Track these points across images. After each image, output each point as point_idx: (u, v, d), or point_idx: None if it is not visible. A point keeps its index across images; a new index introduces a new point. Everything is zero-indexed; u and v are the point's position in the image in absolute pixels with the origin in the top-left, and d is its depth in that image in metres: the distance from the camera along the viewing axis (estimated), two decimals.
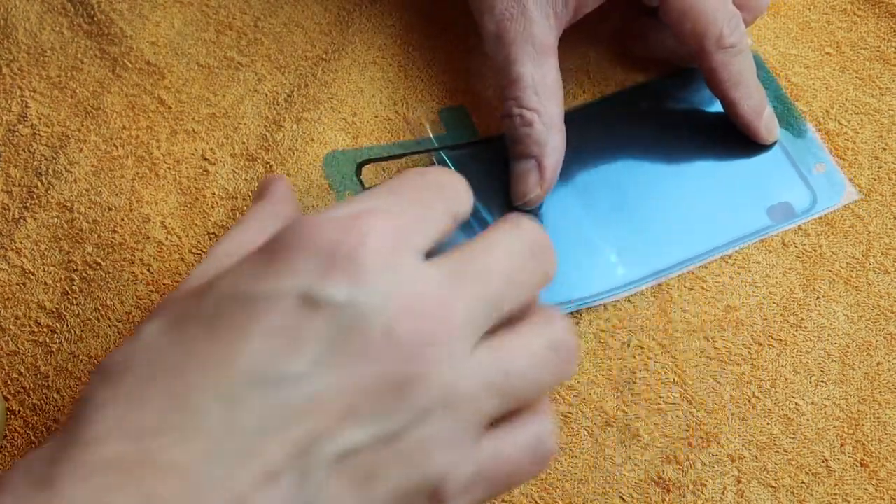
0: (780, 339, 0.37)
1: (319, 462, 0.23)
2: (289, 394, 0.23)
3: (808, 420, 0.36)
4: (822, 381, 0.36)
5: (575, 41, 0.43)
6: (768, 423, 0.36)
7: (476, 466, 0.25)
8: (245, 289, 0.24)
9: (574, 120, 0.41)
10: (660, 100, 0.41)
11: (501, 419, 0.27)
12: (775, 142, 0.40)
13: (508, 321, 0.27)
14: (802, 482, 0.35)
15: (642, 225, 0.39)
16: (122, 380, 0.23)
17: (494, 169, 0.39)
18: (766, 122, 0.39)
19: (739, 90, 0.38)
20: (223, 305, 0.24)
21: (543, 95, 0.37)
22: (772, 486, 0.35)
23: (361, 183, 0.39)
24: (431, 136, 0.40)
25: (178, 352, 0.24)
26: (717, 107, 0.40)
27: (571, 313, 0.37)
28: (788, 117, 0.41)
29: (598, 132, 0.41)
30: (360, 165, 0.39)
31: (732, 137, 0.40)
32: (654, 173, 0.40)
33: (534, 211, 0.39)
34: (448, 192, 0.28)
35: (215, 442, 0.22)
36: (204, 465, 0.22)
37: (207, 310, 0.24)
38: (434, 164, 0.39)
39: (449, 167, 0.39)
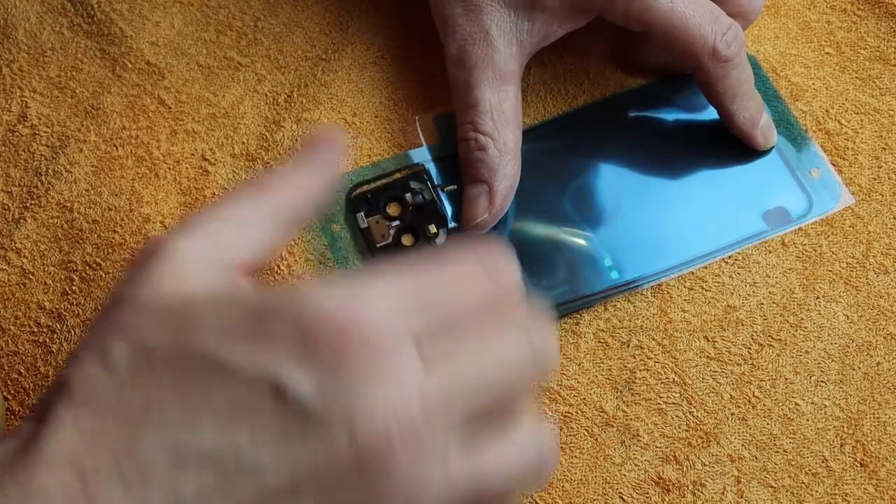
0: (780, 339, 0.37)
1: None
2: (236, 482, 0.22)
3: (808, 420, 0.36)
4: (822, 381, 0.36)
5: (576, 43, 0.43)
6: (768, 423, 0.36)
7: None
8: (223, 356, 0.23)
9: (570, 123, 0.41)
10: (656, 103, 0.41)
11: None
12: (773, 147, 0.40)
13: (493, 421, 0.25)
14: (802, 482, 0.35)
15: (637, 228, 0.38)
16: (84, 408, 0.23)
17: None
18: (762, 130, 0.39)
19: (736, 102, 0.38)
20: (196, 363, 0.23)
21: (499, 122, 0.37)
22: (772, 486, 0.35)
23: (353, 209, 0.39)
24: (425, 145, 0.40)
25: (141, 395, 0.23)
26: (714, 111, 0.40)
27: (571, 314, 0.37)
28: (785, 122, 0.41)
29: (594, 135, 0.41)
30: (350, 192, 0.39)
31: (729, 142, 0.40)
32: (650, 177, 0.40)
33: (527, 212, 0.39)
34: (481, 279, 0.25)
35: (154, 501, 0.22)
36: None
37: (180, 359, 0.23)
38: (425, 178, 0.39)
39: (436, 181, 0.39)
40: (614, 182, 0.39)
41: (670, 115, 0.41)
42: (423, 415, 0.22)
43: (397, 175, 0.40)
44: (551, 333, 0.26)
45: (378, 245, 0.38)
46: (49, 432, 0.23)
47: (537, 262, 0.38)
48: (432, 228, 0.39)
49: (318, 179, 0.28)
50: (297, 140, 0.40)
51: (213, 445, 0.22)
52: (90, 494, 0.22)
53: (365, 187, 0.39)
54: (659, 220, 0.39)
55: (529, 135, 0.40)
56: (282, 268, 0.38)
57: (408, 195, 0.39)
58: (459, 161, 0.38)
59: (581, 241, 0.38)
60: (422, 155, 0.40)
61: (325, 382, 0.22)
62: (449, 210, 0.39)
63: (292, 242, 0.38)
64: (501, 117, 0.37)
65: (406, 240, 0.39)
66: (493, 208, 0.37)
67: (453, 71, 0.38)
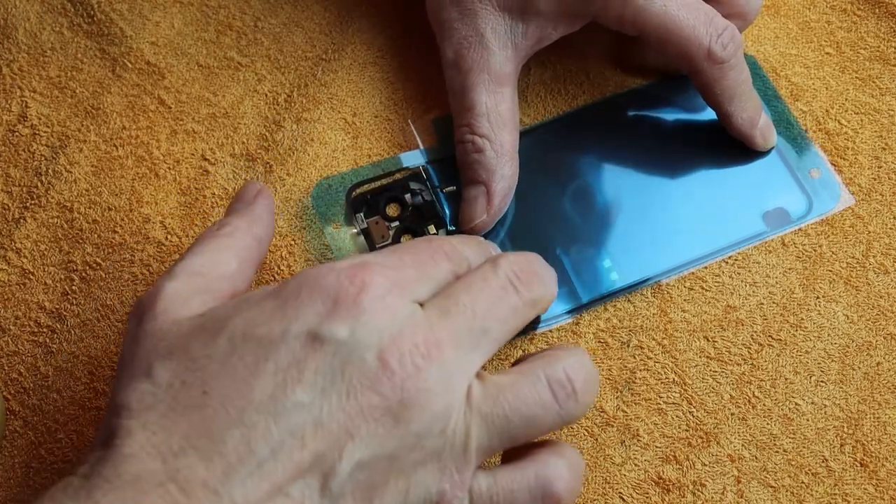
0: (780, 339, 0.37)
1: (325, 479, 0.26)
2: (296, 419, 0.26)
3: (808, 420, 0.36)
4: (822, 381, 0.36)
5: (575, 43, 0.43)
6: (768, 423, 0.36)
7: (471, 495, 0.28)
8: (258, 331, 0.27)
9: (569, 123, 0.41)
10: (656, 104, 0.41)
11: (515, 455, 0.30)
12: (772, 148, 0.40)
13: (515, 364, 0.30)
14: (802, 482, 0.35)
15: (636, 230, 0.38)
16: (146, 415, 0.26)
17: None
18: (761, 131, 0.39)
19: (733, 103, 0.38)
20: (237, 346, 0.27)
21: (496, 124, 0.38)
22: (772, 486, 0.35)
23: (353, 209, 0.39)
24: (421, 147, 0.40)
25: (195, 391, 0.26)
26: (713, 112, 0.40)
27: (569, 312, 0.37)
28: (785, 122, 0.41)
29: (593, 136, 0.40)
30: (350, 192, 0.39)
31: (728, 142, 0.40)
32: (649, 178, 0.40)
33: (526, 214, 0.39)
34: (453, 257, 0.31)
35: (232, 462, 0.25)
36: (222, 481, 0.25)
37: (221, 349, 0.27)
38: (424, 178, 0.39)
39: (435, 182, 0.39)
40: (614, 183, 0.39)
41: (670, 116, 0.41)
42: (430, 339, 0.27)
43: (397, 176, 0.40)
44: (544, 287, 0.31)
45: (377, 246, 0.38)
46: (121, 438, 0.26)
47: None
48: (432, 229, 0.39)
49: (263, 227, 0.33)
50: (294, 141, 0.40)
51: (270, 400, 0.26)
52: (175, 472, 0.25)
53: (364, 188, 0.39)
54: (659, 221, 0.39)
55: (529, 135, 0.40)
56: (282, 268, 0.38)
57: (407, 196, 0.39)
58: (457, 163, 0.38)
59: (580, 243, 0.38)
60: (417, 158, 0.40)
61: (353, 325, 0.27)
62: (448, 211, 0.39)
63: (292, 242, 0.38)
64: (498, 119, 0.38)
65: (406, 241, 0.39)
66: (492, 209, 0.38)
67: (450, 74, 0.38)
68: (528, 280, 0.30)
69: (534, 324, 0.37)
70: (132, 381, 0.27)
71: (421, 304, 0.29)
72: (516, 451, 0.30)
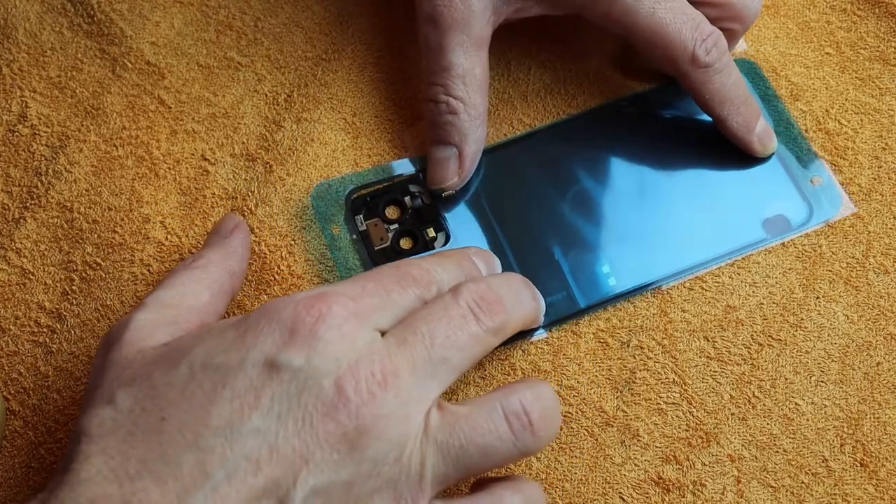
0: (780, 339, 0.37)
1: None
2: (251, 444, 0.26)
3: (808, 420, 0.36)
4: (822, 381, 0.36)
5: (576, 44, 0.43)
6: (768, 423, 0.36)
7: None
8: (217, 360, 0.28)
9: (569, 128, 0.41)
10: (657, 109, 0.41)
11: (477, 487, 0.30)
12: (772, 154, 0.40)
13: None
14: (802, 482, 0.35)
15: (635, 235, 0.38)
16: (105, 440, 0.27)
17: (481, 184, 0.39)
18: (759, 136, 0.39)
19: (725, 107, 0.38)
20: (197, 374, 0.27)
21: (471, 86, 0.38)
22: (772, 486, 0.35)
23: (353, 211, 0.39)
24: (410, 158, 0.40)
25: (154, 416, 0.27)
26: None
27: (569, 315, 0.37)
28: (786, 129, 0.41)
29: (593, 140, 0.40)
30: (350, 194, 0.39)
31: (729, 149, 0.40)
32: (649, 183, 0.40)
33: (526, 219, 0.39)
34: (421, 281, 0.31)
35: (187, 486, 0.26)
36: None
37: (181, 377, 0.27)
38: (423, 180, 0.39)
39: (436, 206, 0.39)
40: (613, 188, 0.39)
41: (670, 122, 0.41)
42: (387, 367, 0.28)
43: (397, 178, 0.40)
44: (507, 315, 0.31)
45: (376, 248, 0.38)
46: (79, 463, 0.26)
47: (535, 267, 0.38)
48: (431, 232, 0.39)
49: (236, 261, 0.34)
50: (294, 141, 0.40)
51: (226, 425, 0.26)
52: (131, 495, 0.26)
53: (364, 190, 0.39)
54: (658, 226, 0.39)
55: (529, 139, 0.40)
56: (282, 268, 0.38)
57: (407, 199, 0.39)
58: (427, 122, 0.39)
59: (579, 248, 0.38)
60: (408, 166, 0.40)
61: (309, 354, 0.27)
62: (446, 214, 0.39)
63: (292, 242, 0.38)
64: (473, 82, 0.38)
65: (405, 243, 0.38)
66: (463, 172, 0.38)
67: (425, 30, 0.38)
68: (490, 308, 0.31)
69: (532, 330, 0.37)
70: (94, 408, 0.28)
71: (384, 333, 0.29)
72: (478, 483, 0.31)
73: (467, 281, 0.31)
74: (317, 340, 0.27)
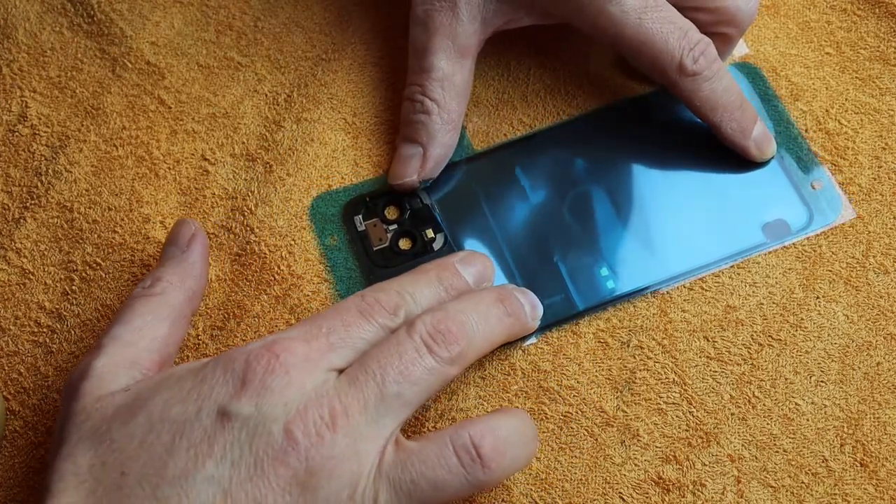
0: (780, 339, 0.37)
1: None
2: (206, 492, 0.27)
3: (808, 420, 0.36)
4: (822, 381, 0.36)
5: (576, 45, 0.43)
6: (768, 423, 0.36)
7: None
8: (174, 411, 0.28)
9: (569, 131, 0.41)
10: (656, 112, 0.41)
11: None
12: (771, 159, 0.40)
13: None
14: (802, 482, 0.35)
15: (635, 238, 0.38)
16: (67, 496, 0.28)
17: (480, 186, 0.39)
18: (756, 141, 0.39)
19: (717, 114, 0.38)
20: (155, 425, 0.28)
21: (449, 91, 0.38)
22: (772, 486, 0.35)
23: (354, 223, 0.39)
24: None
25: (115, 472, 0.28)
26: None
27: (567, 317, 0.37)
28: (786, 134, 0.41)
29: (593, 144, 0.40)
30: (346, 206, 0.39)
31: (729, 153, 0.39)
32: (649, 186, 0.39)
33: (525, 221, 0.39)
34: (389, 307, 0.31)
35: None
36: None
37: (140, 428, 0.28)
38: (423, 191, 0.39)
39: (435, 208, 0.39)
40: (612, 191, 0.39)
41: (670, 125, 0.41)
42: (336, 408, 0.28)
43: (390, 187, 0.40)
44: (467, 341, 0.31)
45: (375, 248, 0.38)
46: None
47: (533, 269, 0.38)
48: (430, 233, 0.39)
49: (195, 279, 0.34)
50: (294, 141, 0.40)
51: (182, 474, 0.27)
52: None
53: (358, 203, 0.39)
54: (657, 230, 0.39)
55: (529, 141, 0.40)
56: (282, 268, 0.38)
57: (406, 199, 0.39)
58: (401, 117, 0.39)
59: (578, 250, 0.38)
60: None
61: (259, 402, 0.28)
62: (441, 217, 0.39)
63: (292, 242, 0.38)
64: (451, 88, 0.38)
65: (403, 243, 0.38)
66: (423, 172, 0.38)
67: (415, 31, 0.39)
68: (446, 338, 0.30)
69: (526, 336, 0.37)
70: (57, 462, 0.28)
71: (342, 370, 0.30)
72: None
73: (425, 312, 0.31)
74: (265, 389, 0.28)
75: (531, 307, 0.35)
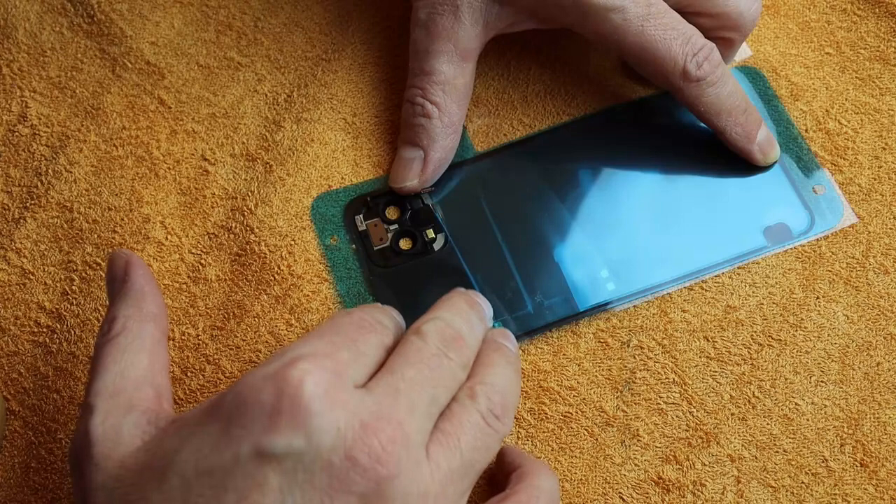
0: (780, 339, 0.37)
1: None
2: None
3: (808, 420, 0.36)
4: (822, 381, 0.36)
5: (578, 46, 0.43)
6: (768, 423, 0.36)
7: None
8: (209, 462, 0.26)
9: (571, 133, 0.41)
10: (659, 115, 0.41)
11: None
12: (774, 163, 0.40)
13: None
14: (802, 482, 0.35)
15: (635, 241, 0.38)
16: None
17: (481, 186, 0.39)
18: (760, 146, 0.39)
19: (722, 119, 0.38)
20: (192, 483, 0.26)
21: (450, 95, 0.38)
22: (772, 486, 0.35)
23: (355, 223, 0.39)
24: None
25: None
26: None
27: (568, 317, 0.37)
28: (786, 134, 0.41)
29: (594, 145, 0.40)
30: (347, 207, 0.39)
31: (730, 155, 0.39)
32: (650, 189, 0.39)
33: (525, 222, 0.39)
34: (378, 327, 0.31)
35: None
36: None
37: (177, 490, 0.26)
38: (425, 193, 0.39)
39: (435, 209, 0.39)
40: (613, 193, 0.39)
41: (672, 128, 0.41)
42: (391, 421, 0.27)
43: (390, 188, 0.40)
44: (470, 349, 0.31)
45: (376, 248, 0.38)
46: None
47: (533, 270, 0.38)
48: (430, 233, 0.39)
49: (150, 302, 0.32)
50: (294, 141, 0.40)
51: None
52: None
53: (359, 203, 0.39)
54: (658, 232, 0.39)
55: (530, 143, 0.40)
56: (282, 268, 0.38)
57: (407, 200, 0.39)
58: (401, 120, 0.39)
59: (578, 252, 0.38)
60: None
61: (308, 432, 0.26)
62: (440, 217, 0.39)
63: (292, 242, 0.38)
64: (453, 91, 0.38)
65: (404, 243, 0.38)
66: (424, 175, 0.38)
67: (417, 34, 0.39)
68: (455, 345, 0.31)
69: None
70: None
71: (362, 385, 0.28)
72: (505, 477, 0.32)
73: (423, 320, 0.31)
74: (309, 416, 0.26)
75: (487, 309, 0.35)
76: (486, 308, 0.34)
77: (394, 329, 0.32)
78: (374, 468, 0.26)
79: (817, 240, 0.39)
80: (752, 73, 0.42)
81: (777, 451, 0.35)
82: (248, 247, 0.38)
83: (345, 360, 0.28)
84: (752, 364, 0.37)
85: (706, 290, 0.38)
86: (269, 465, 0.25)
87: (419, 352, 0.30)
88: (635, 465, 0.35)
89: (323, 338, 0.29)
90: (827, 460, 0.35)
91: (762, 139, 0.39)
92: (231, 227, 0.39)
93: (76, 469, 0.28)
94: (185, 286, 0.38)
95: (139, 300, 0.31)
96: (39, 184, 0.40)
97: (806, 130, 0.41)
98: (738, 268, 0.38)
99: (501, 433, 0.30)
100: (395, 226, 0.39)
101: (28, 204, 0.39)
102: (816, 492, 0.35)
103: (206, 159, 0.40)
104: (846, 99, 0.42)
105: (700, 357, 0.37)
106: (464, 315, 0.33)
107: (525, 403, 0.36)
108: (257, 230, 0.39)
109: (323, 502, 0.25)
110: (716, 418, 0.36)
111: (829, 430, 0.36)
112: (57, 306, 0.38)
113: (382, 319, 0.31)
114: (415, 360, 0.29)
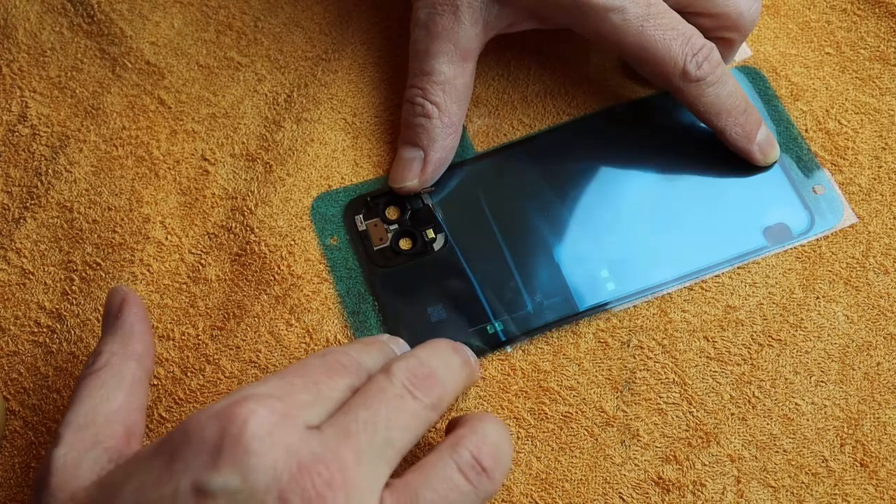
0: (780, 339, 0.37)
1: None
2: None
3: (808, 420, 0.36)
4: (822, 381, 0.36)
5: (578, 46, 0.43)
6: (768, 423, 0.36)
7: None
8: (147, 498, 0.26)
9: (571, 133, 0.41)
10: (659, 115, 0.41)
11: None
12: (774, 163, 0.40)
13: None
14: (802, 482, 0.35)
15: (635, 241, 0.38)
16: None
17: (481, 186, 0.39)
18: (760, 146, 0.39)
19: (722, 119, 0.38)
20: None
21: (450, 95, 0.38)
22: (772, 486, 0.35)
23: (355, 223, 0.39)
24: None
25: None
26: None
27: (568, 317, 0.37)
28: (788, 138, 0.41)
29: (594, 145, 0.40)
30: (347, 207, 0.39)
31: (730, 155, 0.39)
32: (650, 189, 0.39)
33: (525, 222, 0.39)
34: (351, 369, 0.30)
35: None
36: None
37: None
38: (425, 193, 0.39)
39: (435, 209, 0.39)
40: (613, 193, 0.39)
41: (672, 128, 0.41)
42: (332, 464, 0.26)
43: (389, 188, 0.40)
44: (442, 387, 0.31)
45: (376, 248, 0.38)
46: None
47: (533, 270, 0.38)
48: (430, 233, 0.39)
49: (138, 341, 0.32)
50: (294, 141, 0.40)
51: None
52: None
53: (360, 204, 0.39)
54: (658, 232, 0.39)
55: (530, 143, 0.40)
56: (282, 268, 0.38)
57: (407, 200, 0.39)
58: (401, 120, 0.39)
59: (578, 252, 0.38)
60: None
61: (244, 471, 0.25)
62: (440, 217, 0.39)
63: (292, 242, 0.38)
64: (453, 91, 0.38)
65: (404, 243, 0.39)
66: (424, 176, 0.38)
67: (417, 34, 0.39)
68: (425, 384, 0.30)
69: (504, 343, 0.37)
70: None
71: (317, 426, 0.28)
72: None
73: (397, 358, 0.31)
74: (248, 454, 0.26)
75: (474, 359, 0.35)
76: (473, 358, 0.34)
77: (376, 368, 0.31)
78: None
79: (817, 240, 0.39)
80: (752, 73, 0.42)
81: (777, 451, 0.35)
82: (248, 247, 0.38)
83: (300, 402, 0.28)
84: (752, 364, 0.37)
85: (706, 290, 0.38)
86: (205, 501, 0.25)
87: (381, 392, 0.29)
88: (635, 465, 0.35)
89: (283, 378, 0.29)
90: (827, 460, 0.35)
91: (762, 139, 0.39)
92: (231, 227, 0.39)
93: (34, 494, 0.28)
94: (185, 286, 0.38)
95: (126, 338, 0.32)
96: (39, 184, 0.40)
97: (806, 130, 0.41)
98: (738, 268, 0.38)
99: (485, 491, 0.29)
100: (395, 226, 0.39)
101: (28, 204, 0.39)
102: (816, 492, 0.35)
103: (206, 159, 0.40)
104: (846, 99, 0.42)
105: (700, 357, 0.37)
106: (442, 355, 0.32)
107: (525, 403, 0.36)
108: (257, 230, 0.39)
109: None
110: (716, 418, 0.36)
111: (829, 430, 0.36)
112: (57, 306, 0.38)
113: (364, 360, 0.31)
114: (373, 401, 0.28)
